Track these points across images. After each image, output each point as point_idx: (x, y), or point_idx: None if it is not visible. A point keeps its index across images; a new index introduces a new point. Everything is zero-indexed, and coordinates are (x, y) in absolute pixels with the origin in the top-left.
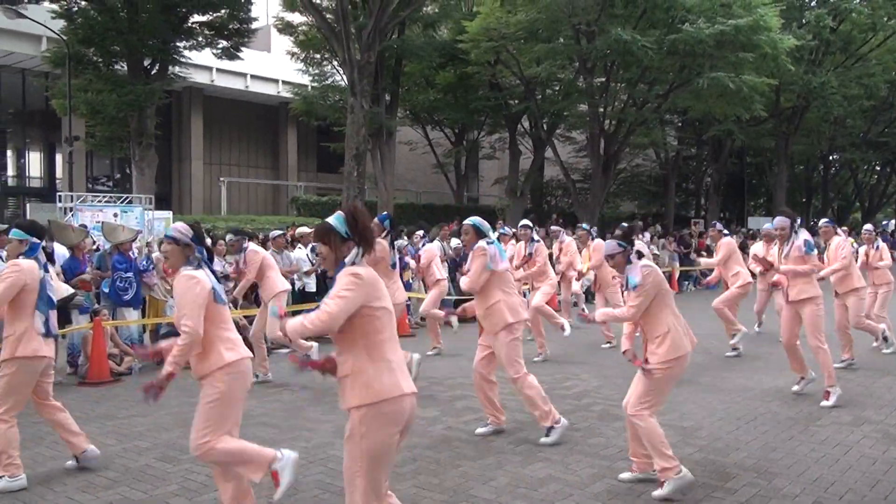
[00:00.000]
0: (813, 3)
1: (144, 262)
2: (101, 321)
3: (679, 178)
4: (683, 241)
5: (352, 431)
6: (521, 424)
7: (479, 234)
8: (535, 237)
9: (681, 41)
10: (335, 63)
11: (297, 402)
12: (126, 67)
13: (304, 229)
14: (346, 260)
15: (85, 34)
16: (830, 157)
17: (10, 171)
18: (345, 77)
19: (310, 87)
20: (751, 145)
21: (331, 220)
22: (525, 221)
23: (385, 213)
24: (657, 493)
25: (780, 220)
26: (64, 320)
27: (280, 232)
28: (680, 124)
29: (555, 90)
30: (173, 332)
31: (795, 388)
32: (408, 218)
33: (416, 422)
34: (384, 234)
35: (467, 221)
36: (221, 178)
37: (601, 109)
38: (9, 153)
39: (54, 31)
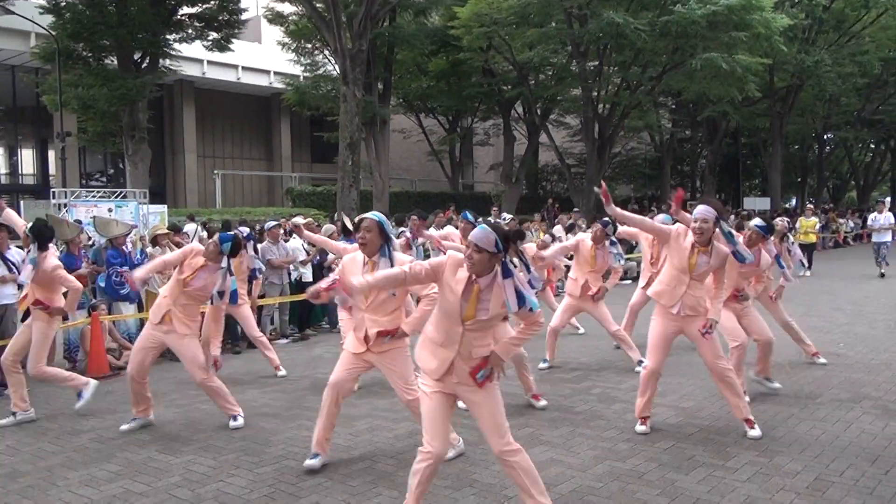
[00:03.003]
0: None
1: (139, 257)
2: (98, 316)
3: (674, 161)
4: None
5: None
6: (521, 409)
7: None
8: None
9: (673, 23)
10: (326, 52)
11: (297, 391)
12: (116, 62)
13: (299, 219)
14: None
15: (74, 29)
16: (825, 136)
17: (3, 169)
18: (337, 66)
19: (302, 78)
20: (745, 126)
21: None
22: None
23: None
24: None
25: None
26: (62, 316)
27: (275, 223)
28: (674, 106)
29: (548, 75)
30: None
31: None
32: (403, 206)
33: (418, 409)
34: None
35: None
36: (216, 171)
37: (595, 93)
38: (1, 150)
39: (43, 27)
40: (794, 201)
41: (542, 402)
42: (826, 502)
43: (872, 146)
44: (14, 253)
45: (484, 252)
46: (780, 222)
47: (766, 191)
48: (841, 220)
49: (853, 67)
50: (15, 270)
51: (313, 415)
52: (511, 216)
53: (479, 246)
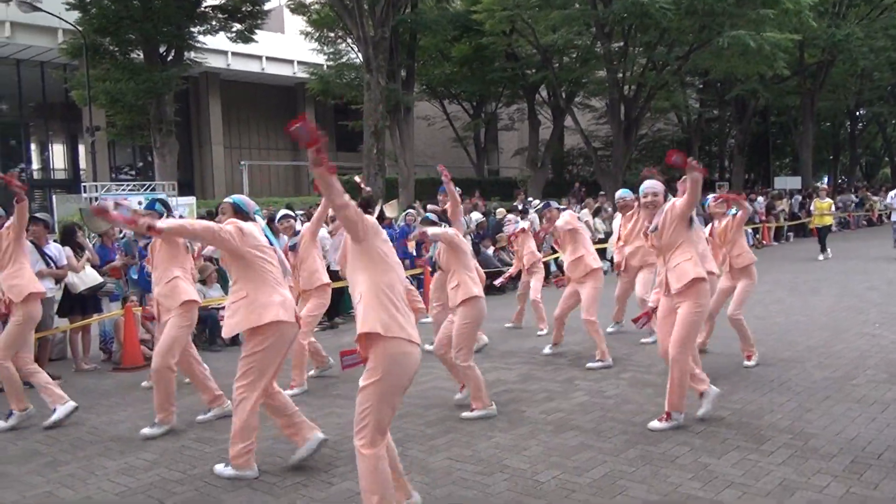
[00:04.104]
0: None
1: None
2: (132, 307)
3: (702, 141)
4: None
5: None
6: (551, 394)
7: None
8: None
9: (699, 0)
10: (349, 41)
11: (327, 379)
12: (142, 55)
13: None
14: None
15: (100, 24)
16: (857, 113)
17: (35, 164)
18: (360, 54)
19: (325, 67)
20: (775, 104)
21: None
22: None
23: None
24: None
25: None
26: (95, 308)
27: (302, 213)
28: (701, 86)
29: (572, 57)
30: (203, 316)
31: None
32: (429, 193)
33: (447, 395)
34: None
35: (226, 200)
36: (242, 162)
37: (620, 74)
38: (33, 146)
39: (69, 23)
40: (826, 179)
41: (460, 395)
42: (864, 485)
43: None
44: (52, 247)
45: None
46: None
47: (798, 169)
48: (875, 198)
49: (886, 41)
50: (52, 264)
51: (344, 402)
52: (539, 201)
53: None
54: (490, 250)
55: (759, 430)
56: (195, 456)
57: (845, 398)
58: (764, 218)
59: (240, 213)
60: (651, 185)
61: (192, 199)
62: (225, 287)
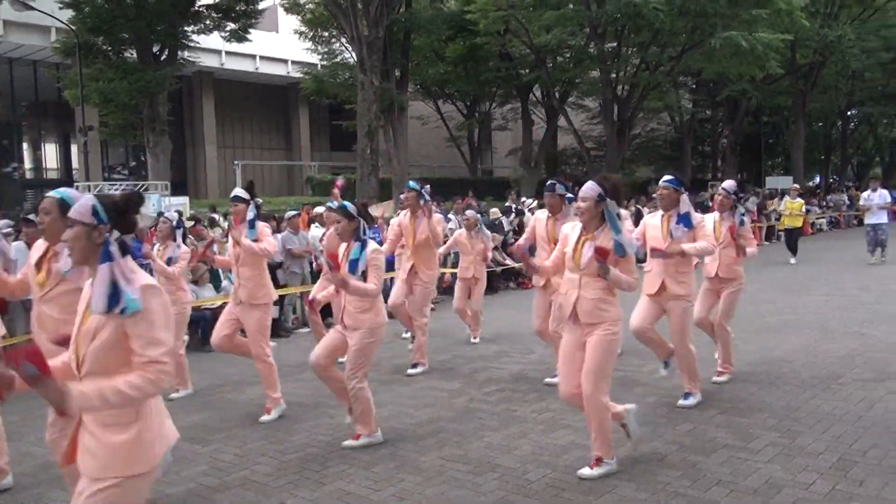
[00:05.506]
0: None
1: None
2: None
3: (695, 141)
4: (702, 207)
5: None
6: (542, 394)
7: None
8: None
9: (692, 1)
10: (343, 40)
11: (320, 380)
12: (136, 54)
13: (321, 209)
14: None
15: (93, 23)
16: (849, 113)
17: (28, 164)
18: (354, 54)
19: (319, 66)
20: (767, 104)
21: None
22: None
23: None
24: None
25: None
26: None
27: (295, 212)
28: (694, 86)
29: (566, 57)
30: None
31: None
32: None
33: (439, 394)
34: None
35: (50, 195)
36: (235, 161)
37: (613, 75)
38: (25, 145)
39: (62, 22)
40: (818, 179)
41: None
42: (849, 482)
43: None
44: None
45: (79, 225)
46: (470, 214)
47: (789, 169)
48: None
49: (877, 42)
50: None
51: (337, 403)
52: (532, 200)
53: (73, 219)
54: None
55: (747, 429)
56: (187, 457)
57: (832, 397)
58: (755, 218)
59: (67, 211)
60: (588, 188)
61: (185, 199)
62: (217, 287)
